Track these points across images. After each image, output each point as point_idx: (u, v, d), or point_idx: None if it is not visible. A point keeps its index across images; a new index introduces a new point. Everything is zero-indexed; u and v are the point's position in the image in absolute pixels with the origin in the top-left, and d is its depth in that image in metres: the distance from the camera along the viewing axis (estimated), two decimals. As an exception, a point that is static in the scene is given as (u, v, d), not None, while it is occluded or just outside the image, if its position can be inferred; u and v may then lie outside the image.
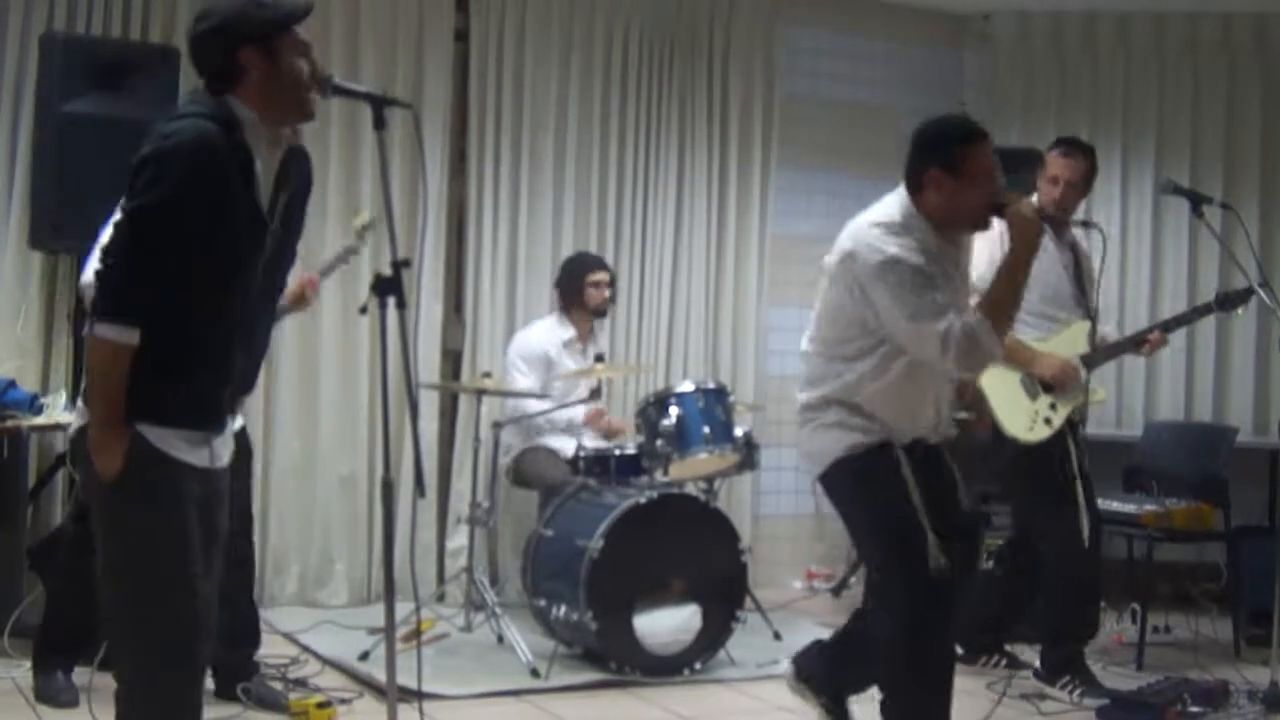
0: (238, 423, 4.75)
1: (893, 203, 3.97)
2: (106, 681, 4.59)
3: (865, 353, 3.97)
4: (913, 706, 3.99)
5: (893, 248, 3.82)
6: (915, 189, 3.93)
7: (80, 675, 4.76)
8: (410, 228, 6.74)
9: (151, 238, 2.99)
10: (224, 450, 3.27)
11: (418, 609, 4.59)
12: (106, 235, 4.56)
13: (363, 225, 5.21)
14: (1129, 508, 6.06)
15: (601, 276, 6.56)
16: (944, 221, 3.92)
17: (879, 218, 3.92)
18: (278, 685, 4.95)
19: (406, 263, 3.19)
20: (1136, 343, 5.62)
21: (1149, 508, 6.01)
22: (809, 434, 4.12)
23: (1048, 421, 5.39)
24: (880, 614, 4.12)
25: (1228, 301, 5.55)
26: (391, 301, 3.19)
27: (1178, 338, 7.17)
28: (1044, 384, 5.40)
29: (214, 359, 3.13)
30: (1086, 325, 5.52)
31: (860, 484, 4.02)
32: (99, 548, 3.17)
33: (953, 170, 3.84)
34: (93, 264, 4.61)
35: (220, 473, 3.26)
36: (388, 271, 3.21)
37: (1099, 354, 5.51)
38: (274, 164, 3.19)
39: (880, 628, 4.06)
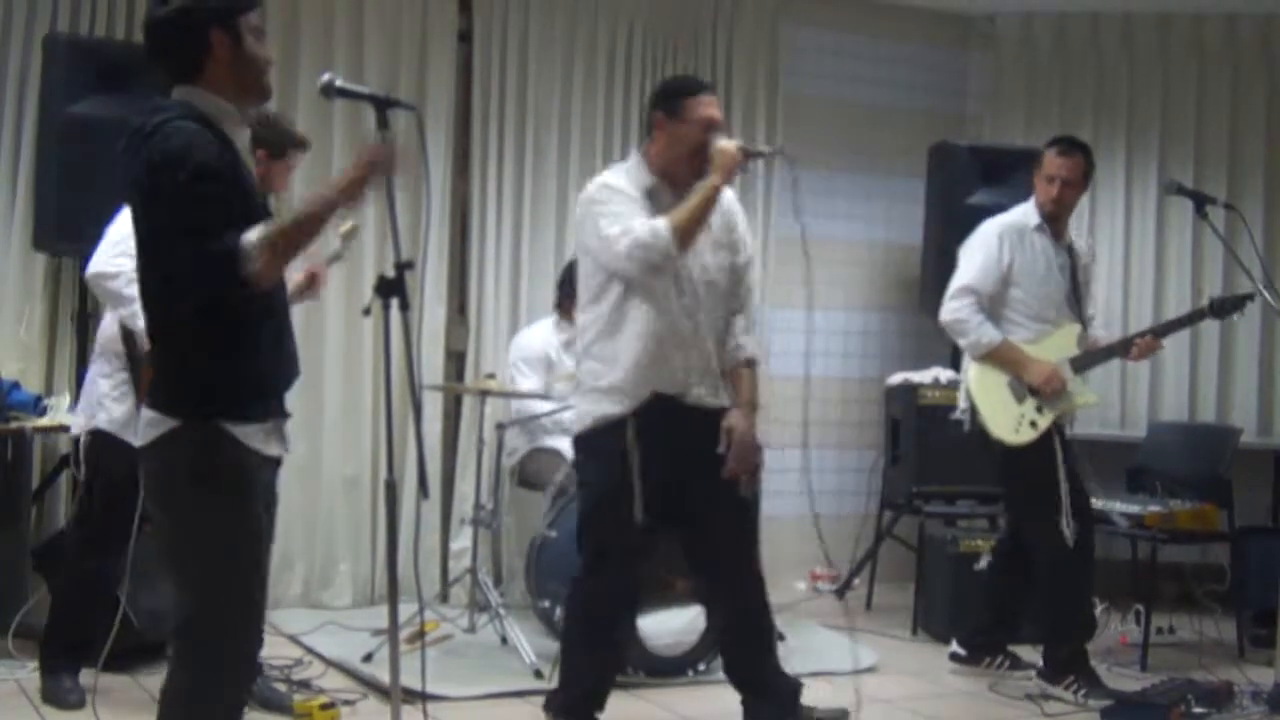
0: None
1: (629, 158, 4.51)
2: (111, 683, 4.63)
3: (605, 290, 4.32)
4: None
5: (607, 178, 4.39)
6: (648, 136, 4.44)
7: (85, 676, 4.76)
8: (414, 229, 6.75)
9: (204, 215, 2.97)
10: (287, 439, 3.32)
11: (420, 610, 4.59)
12: (114, 229, 4.60)
13: (346, 233, 5.13)
14: (1133, 508, 6.05)
15: None
16: (668, 163, 4.35)
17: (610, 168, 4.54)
18: (282, 687, 4.95)
19: (410, 264, 3.19)
20: (1126, 346, 5.59)
21: (1153, 509, 6.00)
22: (575, 399, 4.46)
23: (1033, 425, 5.40)
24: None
25: (1222, 308, 5.50)
26: (394, 303, 3.19)
27: (1181, 339, 7.18)
28: (1031, 389, 5.41)
29: (272, 345, 3.16)
30: (1077, 328, 5.52)
31: (590, 461, 4.39)
32: (168, 544, 3.16)
33: (673, 115, 4.32)
34: (100, 255, 4.64)
35: (279, 462, 3.28)
36: (391, 273, 3.21)
37: (1088, 358, 5.50)
38: (249, 149, 3.24)
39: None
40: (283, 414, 3.26)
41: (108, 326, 4.81)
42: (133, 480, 4.16)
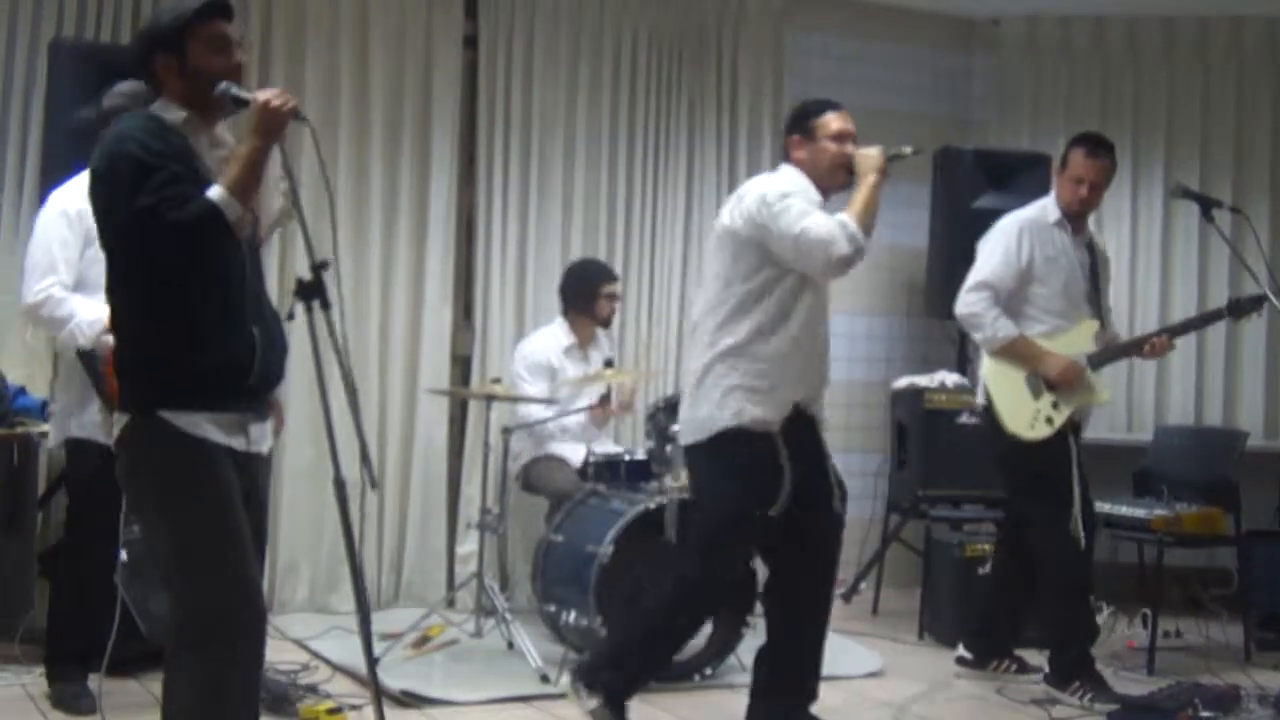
0: None
1: (780, 168, 4.64)
2: (117, 687, 4.63)
3: (769, 289, 4.41)
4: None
5: (786, 184, 4.47)
6: (786, 161, 4.60)
7: (92, 681, 4.75)
8: (419, 233, 6.77)
9: (164, 192, 3.07)
10: (263, 438, 3.34)
11: (372, 603, 4.57)
12: (29, 253, 4.69)
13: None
14: (1139, 512, 6.05)
15: (614, 289, 6.56)
16: (811, 180, 4.52)
17: (771, 173, 4.64)
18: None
19: (325, 264, 3.24)
20: (1140, 345, 5.59)
21: (1159, 512, 5.99)
22: (698, 397, 4.49)
23: (1049, 420, 5.38)
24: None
25: (1239, 309, 5.50)
26: (318, 304, 3.24)
27: (1187, 342, 7.18)
28: (1048, 383, 5.39)
29: (224, 339, 3.19)
30: (1094, 325, 5.51)
31: (728, 467, 4.45)
32: (149, 541, 3.22)
33: (808, 135, 4.54)
34: (25, 288, 4.72)
35: (262, 461, 3.32)
36: (308, 275, 3.26)
37: (1105, 354, 5.49)
38: (221, 159, 3.26)
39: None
40: (247, 409, 3.28)
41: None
42: (110, 479, 4.18)
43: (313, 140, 3.36)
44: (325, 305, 3.20)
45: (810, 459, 4.50)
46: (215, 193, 3.09)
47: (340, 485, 3.27)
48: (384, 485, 6.62)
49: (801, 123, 4.57)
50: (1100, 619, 6.17)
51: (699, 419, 4.48)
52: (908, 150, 4.54)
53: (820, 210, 4.38)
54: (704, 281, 4.64)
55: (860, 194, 4.40)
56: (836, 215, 4.33)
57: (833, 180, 4.52)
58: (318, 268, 3.21)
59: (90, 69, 5.64)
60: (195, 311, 3.15)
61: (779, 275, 4.40)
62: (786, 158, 4.60)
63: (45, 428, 5.40)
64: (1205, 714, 4.97)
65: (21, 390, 5.58)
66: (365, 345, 6.62)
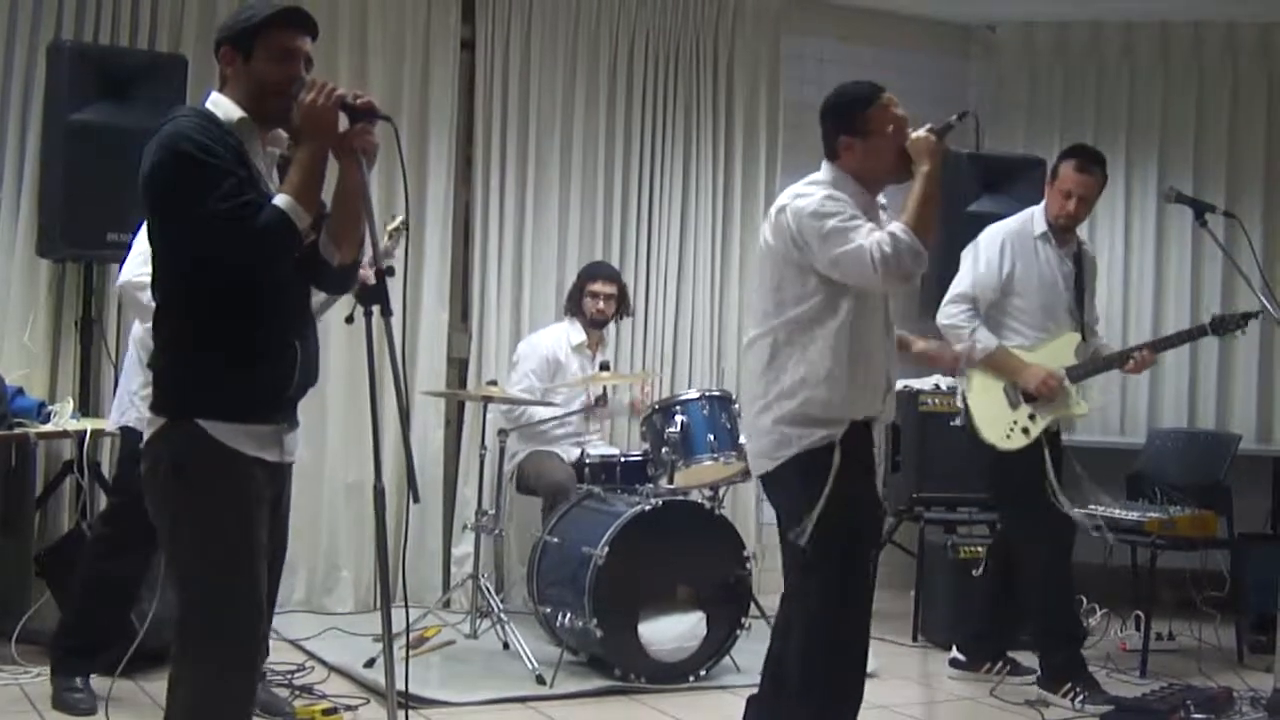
0: None
1: (819, 172, 4.16)
2: (116, 689, 4.64)
3: (816, 317, 4.00)
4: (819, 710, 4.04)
5: (823, 191, 4.03)
6: (834, 159, 4.12)
7: (99, 682, 4.73)
8: (416, 236, 6.78)
9: (232, 196, 3.01)
10: (295, 445, 3.32)
11: (406, 614, 4.57)
12: (141, 237, 4.61)
13: (394, 229, 5.14)
14: (1132, 514, 6.06)
15: (599, 287, 6.56)
16: (866, 180, 4.09)
17: (809, 179, 4.14)
18: (284, 692, 4.96)
19: (390, 270, 3.20)
20: (1123, 359, 5.58)
21: (1152, 515, 6.01)
22: (763, 429, 4.08)
23: (1025, 431, 5.40)
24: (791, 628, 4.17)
25: (1222, 326, 5.44)
26: (377, 310, 3.19)
27: (1181, 346, 7.19)
28: (1027, 395, 5.41)
29: (272, 350, 3.17)
30: (1075, 338, 5.51)
31: (808, 486, 3.98)
32: (163, 543, 3.19)
33: (860, 132, 4.03)
34: (130, 264, 4.66)
35: (289, 469, 3.30)
36: (371, 280, 3.22)
37: (1084, 368, 5.50)
38: (271, 162, 3.25)
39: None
40: (283, 420, 3.26)
41: (138, 327, 4.84)
42: None
43: (395, 138, 3.25)
44: (386, 312, 3.14)
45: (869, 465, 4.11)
46: (283, 200, 3.04)
47: (380, 494, 3.26)
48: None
49: (852, 118, 4.04)
50: (1093, 621, 6.22)
51: (763, 450, 4.10)
52: (954, 119, 4.10)
53: (864, 220, 3.96)
54: (760, 287, 4.19)
55: (915, 191, 3.96)
56: (890, 225, 3.92)
57: (895, 176, 4.08)
58: (382, 273, 3.19)
59: (89, 71, 5.67)
60: (244, 323, 3.11)
61: (825, 300, 3.98)
62: (831, 157, 4.12)
63: (43, 428, 5.41)
64: (1197, 716, 4.98)
65: (19, 391, 5.59)
66: (363, 347, 6.61)
